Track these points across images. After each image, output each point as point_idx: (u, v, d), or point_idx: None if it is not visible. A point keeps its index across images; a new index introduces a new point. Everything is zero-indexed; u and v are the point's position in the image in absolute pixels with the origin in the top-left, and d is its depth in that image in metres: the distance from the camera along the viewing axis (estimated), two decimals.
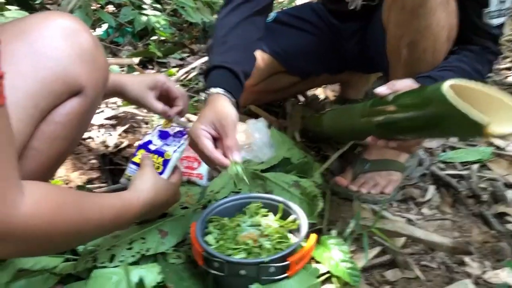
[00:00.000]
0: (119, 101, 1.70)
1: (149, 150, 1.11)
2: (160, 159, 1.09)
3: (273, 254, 0.96)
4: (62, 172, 1.38)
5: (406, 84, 1.00)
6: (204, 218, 1.06)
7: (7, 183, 0.62)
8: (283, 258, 0.94)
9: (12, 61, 0.76)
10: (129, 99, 1.11)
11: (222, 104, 1.05)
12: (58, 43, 0.81)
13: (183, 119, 1.17)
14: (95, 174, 1.37)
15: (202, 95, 1.14)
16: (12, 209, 0.63)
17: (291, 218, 1.07)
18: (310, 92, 1.92)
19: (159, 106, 1.12)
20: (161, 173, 1.07)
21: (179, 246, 1.09)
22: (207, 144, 0.99)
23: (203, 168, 1.37)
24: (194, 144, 1.02)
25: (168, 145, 1.12)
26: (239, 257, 0.96)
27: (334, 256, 1.05)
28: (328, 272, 1.03)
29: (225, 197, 1.16)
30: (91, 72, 0.86)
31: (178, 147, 1.12)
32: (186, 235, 1.11)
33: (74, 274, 0.98)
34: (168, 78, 1.16)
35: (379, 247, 1.15)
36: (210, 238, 1.02)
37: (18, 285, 0.94)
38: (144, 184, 0.96)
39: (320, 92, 1.97)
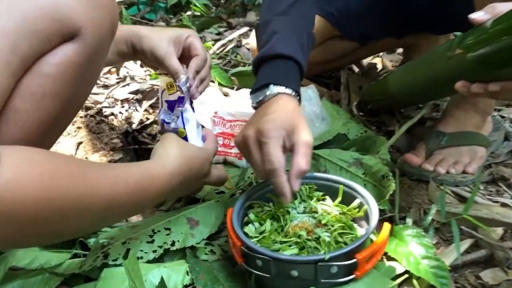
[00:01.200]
0: (144, 73, 1.51)
1: (168, 129, 0.90)
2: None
3: (334, 249, 0.73)
4: (80, 154, 1.20)
5: (510, 6, 0.74)
6: (244, 204, 0.83)
7: None
8: (349, 255, 0.70)
9: None
10: (144, 55, 0.88)
11: (297, 111, 0.81)
12: None
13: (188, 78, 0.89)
14: (117, 156, 1.17)
15: (263, 93, 0.86)
16: None
17: (355, 203, 0.83)
18: (365, 61, 1.66)
19: (176, 64, 0.87)
20: None
21: (213, 238, 0.87)
22: (280, 159, 0.75)
23: None
24: (250, 144, 0.78)
25: (177, 117, 0.91)
26: (289, 253, 0.73)
27: (413, 251, 0.80)
28: (406, 272, 0.79)
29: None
30: (91, 9, 0.64)
31: (183, 116, 0.90)
32: (222, 226, 0.89)
33: (82, 274, 0.78)
34: (194, 32, 0.93)
35: (469, 240, 0.89)
36: (251, 229, 0.79)
37: (11, 287, 0.74)
38: (170, 150, 0.76)
39: (377, 62, 1.70)
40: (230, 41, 1.82)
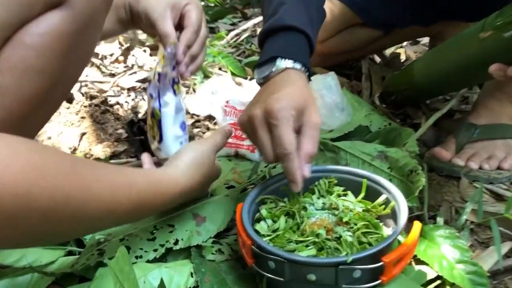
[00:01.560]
0: (154, 62, 1.43)
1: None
2: (154, 122, 0.81)
3: (358, 251, 0.64)
4: (84, 145, 1.12)
5: None
6: (255, 198, 0.75)
7: None
8: (375, 257, 0.61)
9: None
10: (140, 19, 0.80)
11: (307, 89, 0.72)
12: None
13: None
14: (122, 147, 1.09)
15: (270, 68, 0.76)
16: None
17: (381, 199, 0.73)
18: (388, 52, 1.56)
19: (167, 28, 0.78)
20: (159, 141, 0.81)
21: (221, 237, 0.79)
22: (292, 142, 0.67)
23: None
24: (257, 125, 0.69)
25: (157, 95, 0.81)
26: (306, 254, 0.64)
27: (446, 254, 0.71)
28: (438, 277, 0.69)
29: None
30: None
31: (160, 97, 0.80)
32: (231, 223, 0.81)
33: (76, 274, 0.71)
34: (197, 1, 0.84)
35: (509, 242, 0.79)
36: (263, 226, 0.71)
37: None
38: (185, 159, 0.70)
39: (401, 53, 1.60)
40: (244, 30, 1.74)
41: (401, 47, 1.65)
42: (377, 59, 1.53)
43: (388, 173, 0.87)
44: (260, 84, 0.78)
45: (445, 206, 0.89)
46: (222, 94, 1.16)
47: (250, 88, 1.25)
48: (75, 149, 1.12)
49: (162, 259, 0.73)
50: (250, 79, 1.37)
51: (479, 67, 0.81)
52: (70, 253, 0.76)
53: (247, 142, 1.07)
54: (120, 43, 1.46)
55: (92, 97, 1.19)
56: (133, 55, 1.42)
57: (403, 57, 1.58)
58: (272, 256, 0.62)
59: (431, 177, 0.98)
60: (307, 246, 0.65)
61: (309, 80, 0.78)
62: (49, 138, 1.16)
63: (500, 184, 0.96)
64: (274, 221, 0.71)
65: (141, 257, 0.71)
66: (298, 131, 0.69)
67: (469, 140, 1.02)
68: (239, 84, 1.31)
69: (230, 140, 1.07)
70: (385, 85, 1.27)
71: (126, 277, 0.47)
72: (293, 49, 0.76)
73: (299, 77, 0.74)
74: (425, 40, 1.71)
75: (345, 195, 0.76)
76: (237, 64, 1.39)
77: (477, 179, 0.96)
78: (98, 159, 1.03)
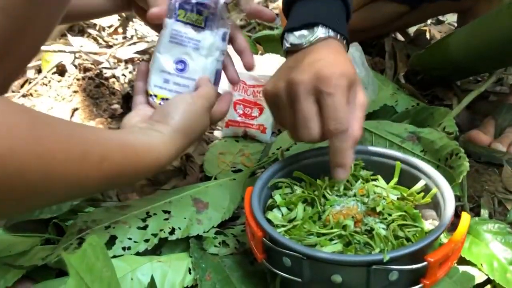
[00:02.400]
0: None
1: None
2: None
3: (394, 247, 0.52)
4: (76, 121, 1.01)
5: None
6: (268, 182, 0.62)
7: None
8: (417, 256, 0.49)
9: None
10: None
11: (351, 63, 0.60)
12: None
13: None
14: (116, 124, 0.98)
15: (308, 35, 0.63)
16: None
17: (419, 185, 0.61)
18: (411, 30, 1.43)
19: None
20: None
21: (226, 226, 0.67)
22: (349, 117, 0.56)
23: (267, 117, 0.94)
24: (301, 92, 0.57)
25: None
26: (330, 250, 0.52)
27: (496, 253, 0.60)
28: (488, 281, 0.57)
29: (302, 152, 0.71)
30: None
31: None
32: (238, 210, 0.69)
33: (53, 267, 0.59)
34: None
35: None
36: (276, 215, 0.59)
37: None
38: (172, 125, 0.57)
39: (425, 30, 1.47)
40: (257, 4, 1.61)
41: (424, 26, 1.52)
42: (400, 38, 1.39)
43: (422, 157, 0.74)
44: (290, 52, 0.65)
45: (487, 197, 0.77)
46: None
47: (260, 63, 1.12)
48: None
49: (156, 251, 0.62)
50: (261, 54, 1.25)
51: None
52: (47, 242, 0.64)
53: (257, 121, 0.95)
54: (119, 14, 1.34)
55: (86, 70, 1.08)
56: (133, 27, 1.30)
57: (427, 36, 1.45)
58: (288, 251, 0.50)
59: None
60: (331, 240, 0.53)
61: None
62: None
63: None
64: (290, 209, 0.59)
65: (129, 248, 0.59)
66: None
67: (511, 123, 0.90)
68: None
69: (238, 118, 0.95)
70: (411, 63, 1.14)
71: (98, 277, 0.35)
72: (333, 17, 0.64)
73: (342, 48, 0.63)
74: (450, 19, 1.57)
75: (375, 179, 0.64)
76: (247, 39, 1.27)
77: None
78: None
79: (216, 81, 0.67)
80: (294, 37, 0.64)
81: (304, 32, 0.63)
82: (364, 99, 0.59)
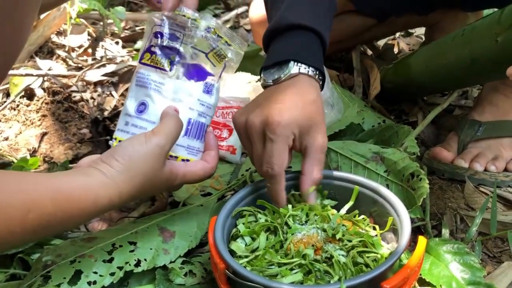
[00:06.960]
0: (127, 54, 1.31)
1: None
2: None
3: (353, 274, 0.53)
4: (45, 146, 1.00)
5: None
6: (232, 210, 0.63)
7: None
8: (374, 283, 0.51)
9: None
10: None
11: (317, 103, 0.64)
12: None
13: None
14: (86, 149, 0.98)
15: (280, 72, 0.68)
16: None
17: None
18: (379, 43, 1.46)
19: None
20: None
21: (193, 255, 0.68)
22: (283, 163, 0.61)
23: (237, 139, 0.95)
24: (253, 134, 0.63)
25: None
26: (290, 280, 0.53)
27: (455, 274, 0.61)
28: None
29: None
30: None
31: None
32: (205, 238, 0.70)
33: None
34: None
35: None
36: (240, 245, 0.60)
37: None
38: (118, 164, 0.55)
39: (394, 44, 1.50)
40: (227, 21, 1.62)
41: (393, 38, 1.54)
42: (369, 51, 1.42)
43: (385, 177, 0.76)
44: (266, 87, 0.68)
45: (449, 214, 0.79)
46: None
47: (230, 84, 1.13)
48: (34, 151, 1.01)
49: (123, 283, 0.62)
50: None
51: (493, 66, 0.72)
52: (13, 277, 0.64)
53: (226, 143, 0.96)
54: (89, 34, 1.34)
55: (54, 93, 1.07)
56: (102, 47, 1.30)
57: (395, 50, 1.48)
58: (249, 283, 0.51)
59: (431, 180, 0.88)
60: (291, 269, 0.55)
61: (322, 88, 0.69)
62: (6, 138, 1.04)
63: (508, 188, 0.86)
64: (253, 239, 0.60)
65: (95, 283, 0.59)
66: (301, 151, 0.64)
67: (473, 138, 0.92)
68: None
69: None
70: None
71: None
72: (306, 51, 0.67)
73: (311, 86, 0.65)
74: (419, 32, 1.61)
75: (334, 204, 0.65)
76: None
77: (483, 182, 0.86)
78: (54, 163, 0.91)
79: (193, 133, 0.65)
80: (268, 74, 0.67)
81: (276, 69, 0.66)
82: (323, 142, 0.63)
